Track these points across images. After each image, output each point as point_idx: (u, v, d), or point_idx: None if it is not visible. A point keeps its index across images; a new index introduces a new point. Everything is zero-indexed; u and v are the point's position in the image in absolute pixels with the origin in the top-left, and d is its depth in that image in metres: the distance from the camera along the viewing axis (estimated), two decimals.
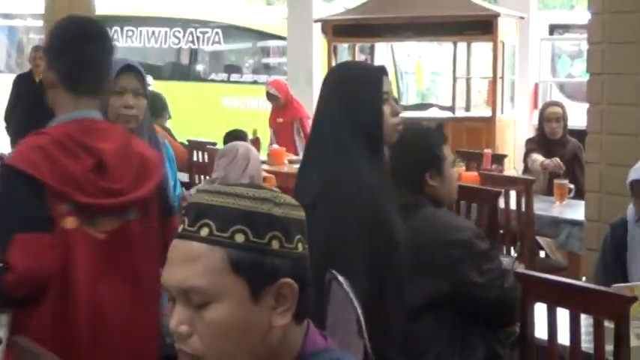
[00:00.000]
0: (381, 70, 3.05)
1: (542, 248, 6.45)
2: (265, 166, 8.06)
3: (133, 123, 3.33)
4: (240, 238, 1.61)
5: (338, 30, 11.46)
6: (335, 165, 2.88)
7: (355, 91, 2.94)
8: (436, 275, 3.30)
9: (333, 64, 11.55)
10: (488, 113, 11.30)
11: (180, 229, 1.64)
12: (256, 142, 8.03)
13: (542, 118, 6.77)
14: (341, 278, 2.49)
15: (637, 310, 3.50)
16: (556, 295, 3.19)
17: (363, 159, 2.89)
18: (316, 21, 12.05)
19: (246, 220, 1.61)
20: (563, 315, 3.18)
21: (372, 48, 12.10)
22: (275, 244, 1.62)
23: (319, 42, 12.65)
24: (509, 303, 3.35)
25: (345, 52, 12.27)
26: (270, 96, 9.05)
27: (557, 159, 6.42)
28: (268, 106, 9.78)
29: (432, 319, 3.30)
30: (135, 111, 3.33)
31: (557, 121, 6.71)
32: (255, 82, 15.02)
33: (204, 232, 1.61)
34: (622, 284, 3.54)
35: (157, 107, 9.02)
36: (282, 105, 8.92)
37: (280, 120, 8.95)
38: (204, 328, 1.60)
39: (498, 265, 3.41)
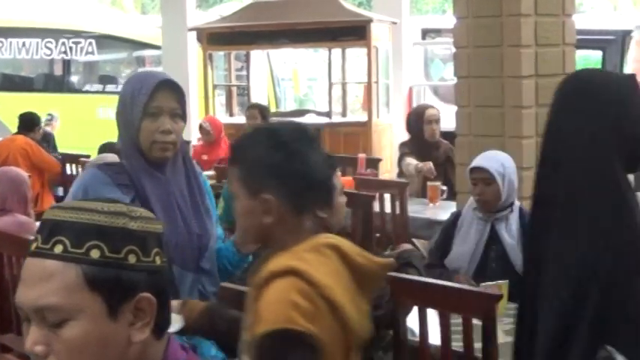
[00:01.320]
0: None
1: (418, 250, 6.55)
2: None
3: (170, 151, 2.86)
4: (95, 253, 1.58)
5: (213, 38, 11.41)
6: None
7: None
8: None
9: (209, 72, 11.53)
10: (364, 118, 11.44)
11: (33, 246, 1.60)
12: None
13: (423, 121, 6.82)
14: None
15: (504, 307, 3.61)
16: (425, 296, 3.25)
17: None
18: (191, 29, 11.98)
19: (102, 235, 1.59)
20: (433, 315, 3.25)
21: (247, 55, 12.10)
22: (132, 259, 1.60)
23: (195, 50, 12.59)
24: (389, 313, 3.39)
25: (221, 60, 12.24)
26: (202, 129, 8.92)
27: (430, 163, 6.54)
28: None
29: None
30: (173, 137, 2.83)
31: (437, 122, 6.83)
32: None
33: (59, 249, 1.57)
34: (490, 282, 3.63)
35: (29, 123, 8.86)
36: (212, 142, 8.81)
37: (205, 157, 8.84)
38: (61, 346, 1.57)
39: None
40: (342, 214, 3.60)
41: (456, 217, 4.42)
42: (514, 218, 4.23)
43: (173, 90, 2.85)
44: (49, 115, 11.39)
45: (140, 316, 1.61)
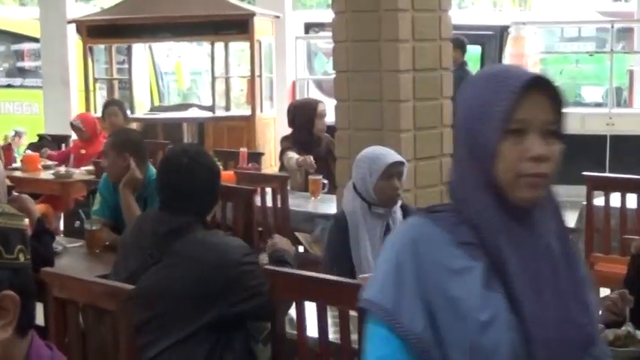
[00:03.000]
0: None
1: (301, 243, 6.58)
2: (19, 173, 7.79)
3: (541, 189, 1.87)
4: None
5: (93, 31, 11.23)
6: None
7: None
8: (209, 300, 3.32)
9: (90, 65, 11.33)
10: (248, 112, 11.43)
11: None
12: (7, 148, 7.72)
13: (315, 115, 6.82)
14: None
15: None
16: (302, 290, 3.26)
17: None
18: (70, 22, 11.75)
19: None
20: (312, 308, 3.26)
21: (129, 49, 11.92)
22: None
23: (74, 43, 12.35)
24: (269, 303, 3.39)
25: (101, 53, 12.04)
26: (73, 127, 8.71)
27: (311, 157, 6.56)
28: (23, 110, 9.47)
29: (189, 346, 3.31)
30: (548, 166, 1.86)
31: (325, 116, 6.85)
32: (9, 86, 14.47)
33: None
34: (368, 274, 3.67)
35: None
36: (86, 138, 8.61)
37: (83, 151, 8.62)
38: None
39: (260, 272, 3.45)
40: None
41: (343, 223, 4.30)
42: (398, 207, 4.29)
43: (547, 93, 1.83)
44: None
45: (3, 315, 1.57)
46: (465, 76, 9.69)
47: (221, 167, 6.81)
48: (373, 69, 5.05)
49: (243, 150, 7.09)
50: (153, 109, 12.80)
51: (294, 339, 3.31)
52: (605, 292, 5.18)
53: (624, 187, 5.59)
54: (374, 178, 4.19)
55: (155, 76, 13.72)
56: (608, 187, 5.69)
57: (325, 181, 6.30)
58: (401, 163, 4.23)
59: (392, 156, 4.25)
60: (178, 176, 3.48)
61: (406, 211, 4.30)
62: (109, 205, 5.03)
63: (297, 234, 6.33)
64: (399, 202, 4.30)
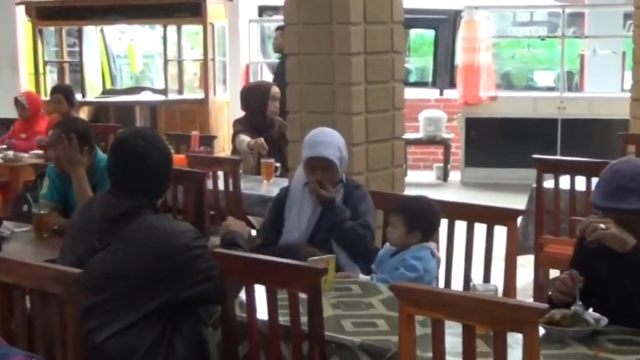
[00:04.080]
0: None
1: (254, 227, 6.56)
2: None
3: None
4: None
5: (43, 12, 11.10)
6: None
7: None
8: (159, 285, 3.30)
9: (40, 47, 11.18)
10: (201, 95, 11.37)
11: None
12: None
13: (268, 97, 6.79)
14: None
15: (332, 281, 3.66)
16: (252, 272, 3.25)
17: None
18: (19, 3, 11.58)
19: None
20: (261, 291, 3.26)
21: (80, 31, 11.79)
22: None
23: (23, 25, 12.16)
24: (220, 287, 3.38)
25: (52, 36, 11.89)
26: (17, 103, 8.56)
27: (262, 139, 6.54)
28: None
29: (137, 331, 3.30)
30: None
31: (277, 99, 6.83)
32: None
33: None
34: (317, 257, 3.67)
35: None
36: (27, 117, 8.46)
37: (23, 136, 8.49)
38: None
39: (210, 256, 3.42)
40: None
41: (285, 192, 4.43)
42: (341, 190, 4.29)
43: None
44: None
45: None
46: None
47: (173, 151, 6.80)
48: (325, 52, 5.04)
49: (195, 133, 7.05)
50: (105, 92, 12.68)
51: (244, 322, 3.30)
52: (554, 273, 5.24)
53: (573, 169, 5.64)
54: (302, 162, 4.27)
55: (107, 59, 13.56)
56: (557, 169, 5.74)
57: (278, 164, 6.28)
58: (326, 160, 4.19)
59: (317, 149, 4.21)
60: (132, 159, 3.45)
61: (347, 186, 4.29)
62: (58, 189, 4.97)
63: (249, 217, 6.31)
64: (341, 184, 4.28)
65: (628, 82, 8.90)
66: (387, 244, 4.03)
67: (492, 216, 4.23)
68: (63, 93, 8.10)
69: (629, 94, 8.26)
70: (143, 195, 3.43)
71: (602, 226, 3.10)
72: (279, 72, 9.85)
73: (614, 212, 3.13)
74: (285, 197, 4.39)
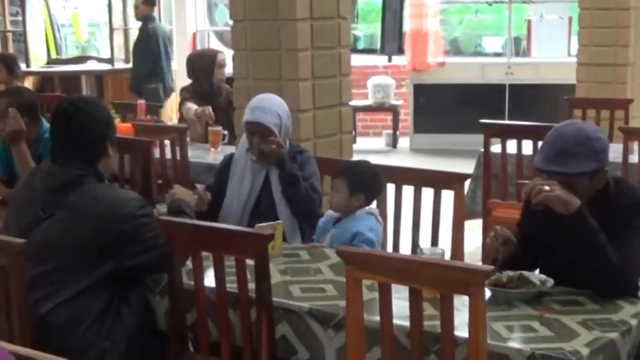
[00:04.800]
0: None
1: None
2: None
3: None
4: None
5: None
6: None
7: None
8: (104, 254, 3.27)
9: None
10: None
11: None
12: None
13: (214, 65, 6.74)
14: None
15: (280, 248, 3.65)
16: (199, 240, 3.23)
17: None
18: None
19: None
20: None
21: (22, 0, 11.58)
22: None
23: None
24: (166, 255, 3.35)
25: None
26: None
27: (209, 108, 6.50)
28: None
29: (83, 301, 3.27)
30: None
31: (224, 67, 6.78)
32: None
33: None
34: (264, 223, 3.65)
35: None
36: None
37: None
38: None
39: (156, 225, 3.39)
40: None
41: (229, 159, 4.40)
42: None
43: None
44: None
45: None
46: (150, 31, 9.75)
47: (119, 120, 6.74)
48: (270, 18, 5.00)
49: (142, 102, 6.97)
50: (50, 62, 12.50)
51: (191, 289, 3.28)
52: None
53: (520, 133, 5.68)
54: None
55: (51, 28, 13.35)
56: (504, 134, 5.78)
57: (225, 132, 6.24)
58: (262, 125, 4.16)
59: (255, 114, 4.19)
60: (65, 126, 3.41)
61: (291, 152, 4.28)
62: (2, 159, 4.91)
63: (197, 185, 6.27)
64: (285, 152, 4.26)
65: (574, 47, 8.97)
66: (329, 211, 4.03)
67: (439, 180, 4.25)
68: (3, 62, 7.95)
69: (575, 59, 8.34)
70: (82, 162, 3.39)
71: (547, 188, 3.12)
72: (140, 41, 9.90)
73: (557, 175, 3.15)
74: (229, 164, 4.36)
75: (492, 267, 2.66)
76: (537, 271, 3.36)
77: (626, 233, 3.12)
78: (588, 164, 3.14)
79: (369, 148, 11.40)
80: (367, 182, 3.96)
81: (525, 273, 3.21)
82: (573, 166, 3.13)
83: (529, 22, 13.16)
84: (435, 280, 2.67)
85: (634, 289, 3.15)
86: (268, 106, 4.22)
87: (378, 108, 11.86)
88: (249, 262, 3.10)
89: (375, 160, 4.27)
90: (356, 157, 4.99)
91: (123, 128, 6.25)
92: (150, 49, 9.71)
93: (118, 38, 11.73)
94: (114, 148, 3.54)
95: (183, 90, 6.94)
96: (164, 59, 9.82)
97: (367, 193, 3.95)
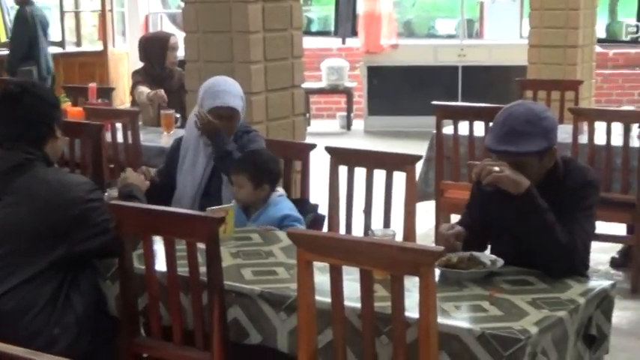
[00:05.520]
0: None
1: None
2: None
3: None
4: None
5: None
6: None
7: None
8: (54, 239, 3.24)
9: None
10: (100, 47, 11.15)
11: None
12: None
13: (167, 48, 6.70)
14: None
15: (232, 231, 3.64)
16: (150, 224, 3.21)
17: None
18: None
19: None
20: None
21: None
22: None
23: None
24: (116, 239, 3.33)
25: None
26: None
27: (162, 90, 6.46)
28: None
29: (33, 287, 3.23)
30: None
31: (177, 49, 6.73)
32: None
33: None
34: (216, 207, 3.64)
35: None
36: None
37: None
38: None
39: (106, 209, 3.36)
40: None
41: (178, 142, 4.38)
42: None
43: None
44: None
45: None
46: (27, 14, 9.79)
47: (70, 103, 6.67)
48: (222, 0, 4.96)
49: (93, 85, 6.89)
50: (0, 45, 12.31)
51: (142, 274, 3.26)
52: (455, 218, 5.31)
53: (472, 115, 5.71)
54: (204, 110, 4.21)
55: (1, 11, 13.16)
56: (456, 115, 5.81)
57: (178, 115, 6.20)
58: (231, 109, 4.17)
59: (223, 98, 4.19)
60: (11, 108, 3.37)
61: (238, 136, 4.27)
62: None
63: (150, 169, 6.23)
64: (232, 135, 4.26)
65: (526, 29, 9.02)
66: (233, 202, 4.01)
67: (390, 162, 4.26)
68: None
69: (526, 41, 8.39)
70: (30, 145, 3.35)
71: (497, 168, 3.14)
72: (17, 24, 9.89)
73: (507, 155, 3.17)
74: (178, 148, 4.34)
75: (442, 248, 2.67)
76: (488, 251, 3.38)
77: (574, 213, 3.15)
78: (538, 143, 3.16)
79: (323, 130, 11.40)
80: (268, 170, 3.99)
81: (476, 253, 3.23)
82: (523, 145, 3.15)
83: (482, 4, 13.23)
84: (385, 261, 2.68)
85: (582, 268, 3.19)
86: (230, 89, 4.25)
87: (332, 90, 11.86)
88: (201, 245, 3.09)
89: (329, 142, 4.28)
90: (310, 140, 4.99)
91: (74, 112, 6.20)
92: (27, 32, 9.71)
93: (70, 21, 11.59)
94: (61, 130, 3.50)
95: (135, 73, 6.89)
96: (41, 42, 9.80)
97: (271, 181, 3.98)
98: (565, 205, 3.16)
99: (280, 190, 4.07)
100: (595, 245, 5.85)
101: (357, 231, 4.24)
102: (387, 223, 4.18)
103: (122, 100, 10.40)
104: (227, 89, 4.23)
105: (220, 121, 4.17)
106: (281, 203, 3.96)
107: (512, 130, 3.17)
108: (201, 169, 4.23)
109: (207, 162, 4.24)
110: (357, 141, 10.62)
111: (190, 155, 4.27)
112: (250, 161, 3.99)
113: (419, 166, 4.86)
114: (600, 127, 5.46)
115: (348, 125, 11.73)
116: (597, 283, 3.10)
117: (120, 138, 5.79)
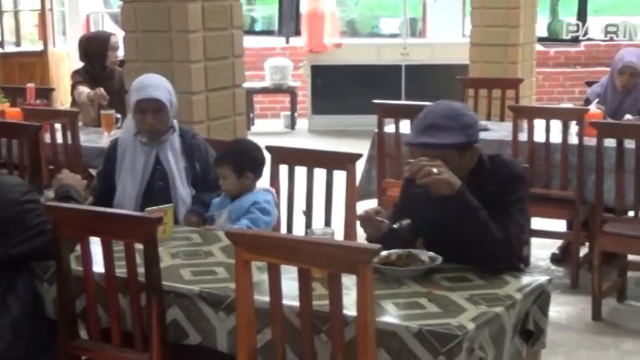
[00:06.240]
0: None
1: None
2: None
3: None
4: None
5: None
6: None
7: None
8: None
9: None
10: (40, 47, 11.02)
11: None
12: None
13: (108, 47, 6.64)
14: None
15: (172, 231, 3.62)
16: (86, 225, 3.18)
17: None
18: None
19: None
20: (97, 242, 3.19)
21: None
22: None
23: None
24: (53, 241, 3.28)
25: None
26: None
27: (102, 89, 6.40)
28: None
29: None
30: None
31: (118, 49, 6.66)
32: None
33: None
34: (154, 207, 3.61)
35: None
36: None
37: None
38: None
39: (43, 211, 3.32)
40: None
41: (115, 143, 4.35)
42: (176, 138, 4.24)
43: None
44: None
45: None
46: None
47: (8, 104, 6.58)
48: None
49: (31, 86, 6.80)
50: None
51: (80, 276, 3.23)
52: None
53: (412, 113, 5.66)
54: (131, 109, 4.20)
55: None
56: (397, 114, 5.83)
57: (118, 116, 6.14)
58: (155, 100, 4.14)
59: (146, 91, 4.16)
60: None
61: (183, 135, 4.25)
62: None
63: (90, 170, 6.17)
64: (176, 132, 4.23)
65: (468, 28, 9.09)
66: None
67: (331, 161, 4.27)
68: None
69: (468, 40, 8.45)
70: None
71: (435, 170, 3.12)
72: None
73: (426, 147, 3.17)
74: (115, 149, 4.30)
75: (379, 245, 2.67)
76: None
77: (506, 207, 3.17)
78: (456, 137, 3.17)
79: (267, 130, 11.38)
80: (250, 159, 3.99)
81: (414, 251, 3.25)
82: (441, 137, 3.15)
83: (424, 3, 13.29)
84: (323, 259, 2.68)
85: (518, 262, 3.22)
86: (156, 83, 4.23)
87: (276, 90, 11.84)
88: (139, 246, 3.07)
89: (272, 141, 4.28)
90: (254, 139, 4.97)
91: (12, 113, 6.12)
92: None
93: (9, 21, 11.43)
94: None
95: (75, 73, 6.82)
96: None
97: (254, 169, 3.98)
98: (495, 200, 3.17)
99: (269, 187, 4.10)
100: (535, 241, 5.99)
101: (299, 230, 4.24)
102: (328, 222, 4.19)
103: (62, 101, 10.29)
104: (151, 83, 4.22)
105: (147, 116, 4.14)
106: (258, 193, 3.98)
107: (432, 124, 3.18)
108: (141, 169, 4.20)
109: (147, 161, 4.21)
110: (301, 140, 10.62)
111: (129, 155, 4.23)
112: (232, 152, 4.02)
113: (360, 164, 4.88)
114: (540, 124, 5.52)
115: (292, 124, 11.73)
116: (534, 279, 3.14)
117: (59, 139, 5.73)
